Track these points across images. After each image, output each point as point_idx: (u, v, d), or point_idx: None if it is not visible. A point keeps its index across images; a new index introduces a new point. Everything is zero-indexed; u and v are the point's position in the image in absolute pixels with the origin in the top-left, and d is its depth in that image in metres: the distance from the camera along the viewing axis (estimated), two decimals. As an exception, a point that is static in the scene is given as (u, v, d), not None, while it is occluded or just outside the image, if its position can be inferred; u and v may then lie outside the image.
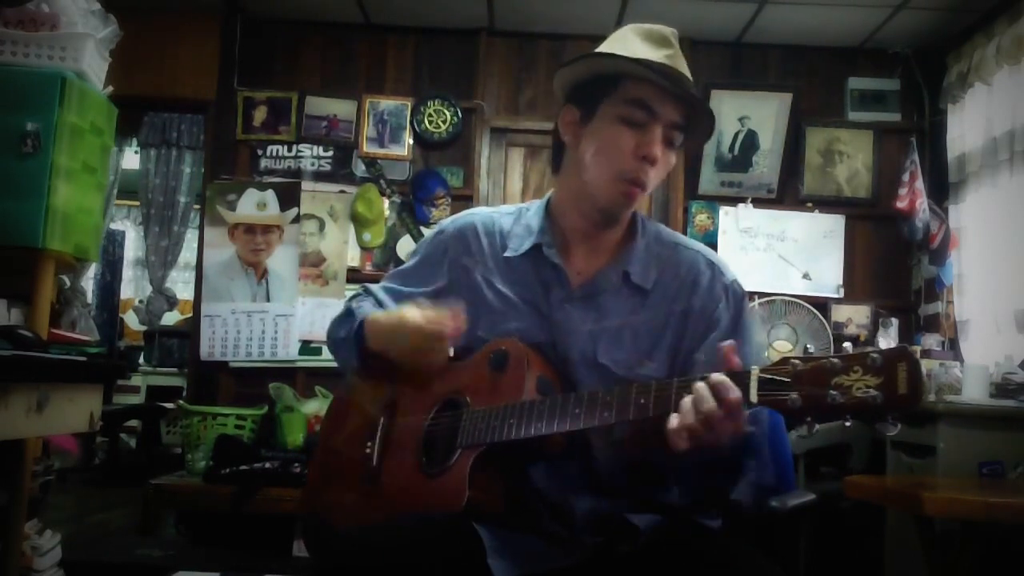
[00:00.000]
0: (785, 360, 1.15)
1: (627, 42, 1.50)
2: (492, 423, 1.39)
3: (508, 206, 1.67)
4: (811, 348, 4.16)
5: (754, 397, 1.16)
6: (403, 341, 1.48)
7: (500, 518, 1.38)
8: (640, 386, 1.27)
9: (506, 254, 1.57)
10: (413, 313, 1.46)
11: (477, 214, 1.66)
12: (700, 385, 1.19)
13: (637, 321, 1.49)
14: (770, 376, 1.15)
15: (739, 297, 1.52)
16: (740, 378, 1.18)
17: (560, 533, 1.42)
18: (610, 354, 1.47)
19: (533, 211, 1.60)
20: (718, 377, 1.18)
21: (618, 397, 1.28)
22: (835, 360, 1.11)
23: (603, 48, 1.52)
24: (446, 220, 1.70)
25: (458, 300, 1.54)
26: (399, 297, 1.65)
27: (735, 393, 1.17)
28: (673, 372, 1.46)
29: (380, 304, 1.67)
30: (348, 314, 1.66)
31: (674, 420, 1.20)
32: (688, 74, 1.49)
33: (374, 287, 1.72)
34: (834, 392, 1.10)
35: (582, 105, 1.51)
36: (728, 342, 1.23)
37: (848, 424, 1.12)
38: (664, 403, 1.22)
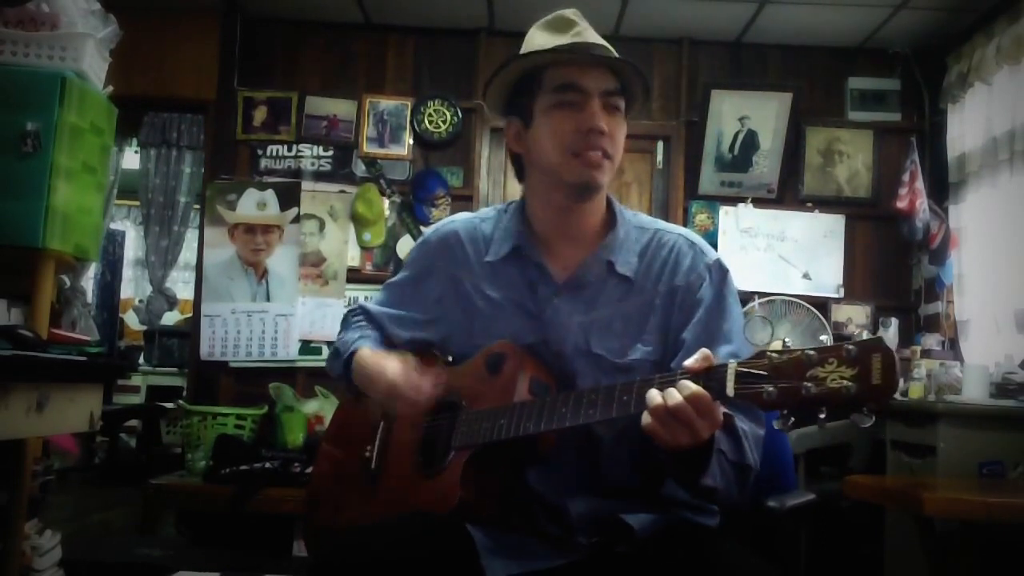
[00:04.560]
0: (762, 353, 1.16)
1: (534, 39, 1.54)
2: (484, 424, 1.41)
3: (488, 209, 1.68)
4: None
5: (731, 391, 1.16)
6: (381, 393, 1.53)
7: (494, 518, 1.39)
8: (624, 385, 1.28)
9: (487, 259, 1.58)
10: (395, 369, 1.50)
11: (457, 221, 1.67)
12: (674, 390, 1.20)
13: (625, 308, 1.50)
14: (746, 370, 1.16)
15: (722, 274, 1.53)
16: (717, 372, 1.19)
17: (555, 533, 1.43)
18: (603, 343, 1.48)
19: (510, 213, 1.61)
20: (691, 386, 1.19)
21: (603, 396, 1.29)
22: (811, 352, 1.12)
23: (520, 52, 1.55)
24: (429, 230, 1.72)
25: (448, 312, 1.59)
26: (398, 322, 1.68)
27: (704, 399, 1.18)
28: (665, 352, 1.48)
29: (377, 324, 1.70)
30: (341, 347, 1.68)
31: (648, 418, 1.21)
32: (601, 41, 1.51)
33: (372, 307, 1.74)
34: (808, 384, 1.10)
35: (519, 113, 1.55)
36: (703, 351, 1.23)
37: (823, 416, 1.12)
38: (646, 400, 1.22)
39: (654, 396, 1.20)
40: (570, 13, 1.55)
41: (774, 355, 1.14)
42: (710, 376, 1.19)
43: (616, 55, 1.50)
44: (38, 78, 2.30)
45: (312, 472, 1.85)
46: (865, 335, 1.09)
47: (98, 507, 4.99)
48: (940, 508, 2.48)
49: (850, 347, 1.09)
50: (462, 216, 1.69)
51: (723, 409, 1.31)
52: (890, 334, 4.24)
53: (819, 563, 3.44)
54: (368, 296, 3.91)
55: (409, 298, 1.68)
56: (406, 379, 1.49)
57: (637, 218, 1.60)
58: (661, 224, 1.60)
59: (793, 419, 1.15)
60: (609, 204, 1.58)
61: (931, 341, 4.10)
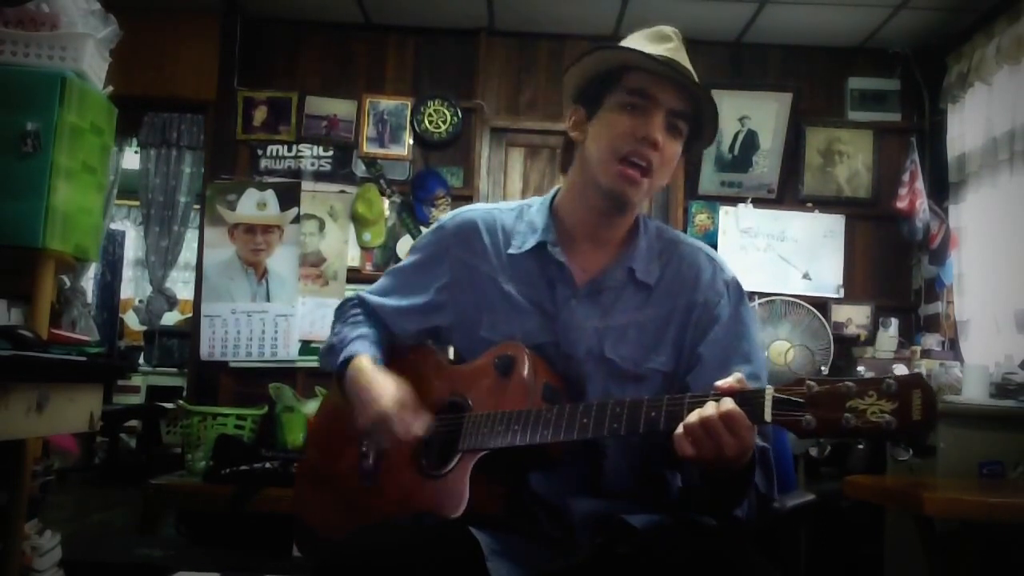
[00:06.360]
0: (800, 381, 1.17)
1: (630, 42, 1.54)
2: (496, 428, 1.39)
3: (508, 202, 1.66)
4: (811, 348, 4.16)
5: (768, 417, 1.17)
6: (368, 418, 1.48)
7: (497, 520, 1.38)
8: (652, 400, 1.28)
9: (510, 251, 1.56)
10: (390, 400, 1.46)
11: (476, 210, 1.65)
12: (710, 404, 1.21)
13: (642, 317, 1.50)
14: (785, 396, 1.17)
15: (740, 293, 1.54)
16: (754, 397, 1.19)
17: (557, 535, 1.42)
18: (616, 350, 1.47)
19: (536, 208, 1.60)
20: (727, 403, 1.19)
21: (629, 410, 1.29)
22: (850, 383, 1.13)
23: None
24: (445, 216, 1.68)
25: (459, 299, 1.57)
26: (400, 315, 1.64)
27: (741, 419, 1.19)
28: (679, 366, 1.48)
29: (376, 318, 1.66)
30: (338, 344, 1.64)
31: (680, 428, 1.21)
32: (689, 67, 1.51)
33: (371, 298, 1.70)
34: (849, 415, 1.12)
35: (588, 103, 1.53)
36: (736, 375, 1.24)
37: (860, 447, 1.14)
38: (675, 418, 1.23)
39: (693, 415, 1.20)
40: (668, 29, 1.55)
41: (812, 383, 1.16)
42: (746, 399, 1.20)
43: (694, 80, 1.50)
44: (38, 78, 2.30)
45: (301, 465, 1.82)
46: (904, 370, 1.11)
47: (98, 507, 4.99)
48: (940, 508, 2.48)
49: (890, 381, 1.11)
50: (481, 206, 1.67)
51: (759, 443, 1.32)
52: (890, 334, 4.25)
53: (819, 563, 3.44)
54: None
55: (414, 283, 1.64)
56: (399, 415, 1.45)
57: (659, 229, 1.60)
58: (681, 236, 1.61)
59: (829, 447, 1.17)
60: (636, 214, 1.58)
61: (931, 341, 4.10)
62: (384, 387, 1.49)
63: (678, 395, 1.27)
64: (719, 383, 1.23)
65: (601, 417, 1.30)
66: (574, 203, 1.56)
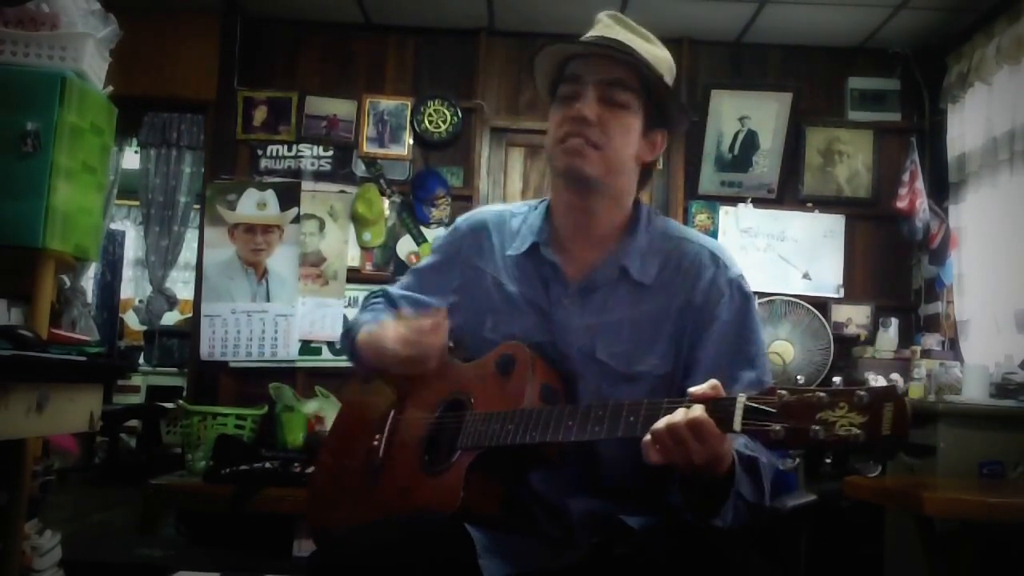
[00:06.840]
0: (772, 390, 1.14)
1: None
2: (492, 427, 1.40)
3: (521, 204, 1.68)
4: (811, 348, 4.16)
5: (738, 426, 1.15)
6: (390, 359, 1.52)
7: (494, 519, 1.39)
8: (631, 405, 1.27)
9: (508, 253, 1.59)
10: (391, 334, 1.50)
11: (489, 212, 1.69)
12: (679, 411, 1.19)
13: (637, 315, 1.49)
14: (755, 405, 1.15)
15: (744, 293, 1.52)
16: (725, 406, 1.17)
17: (555, 534, 1.42)
18: (608, 349, 1.47)
19: (539, 209, 1.62)
20: (696, 410, 1.18)
21: (610, 413, 1.29)
22: (822, 394, 1.10)
23: None
24: (461, 217, 1.73)
25: (466, 301, 1.60)
26: (417, 305, 1.67)
27: (709, 427, 1.17)
28: (677, 367, 1.46)
29: (395, 306, 1.70)
30: (352, 326, 1.69)
31: (648, 435, 1.20)
32: (626, 39, 1.52)
33: (393, 290, 1.74)
34: (817, 427, 1.09)
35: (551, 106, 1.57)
36: (712, 381, 1.22)
37: (828, 461, 1.12)
38: (652, 422, 1.21)
39: (660, 422, 1.19)
40: (604, 13, 1.58)
41: (784, 392, 1.13)
42: (717, 407, 1.18)
43: (635, 49, 1.50)
44: (38, 78, 2.30)
45: (315, 466, 1.84)
46: (882, 381, 1.08)
47: (98, 507, 4.99)
48: (940, 508, 2.48)
49: (862, 393, 1.08)
50: (495, 207, 1.71)
51: (747, 452, 1.31)
52: (890, 334, 4.25)
53: (819, 563, 3.44)
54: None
55: (431, 284, 1.68)
56: (404, 340, 1.48)
57: (666, 225, 1.58)
58: (689, 233, 1.59)
59: (798, 459, 1.15)
60: (636, 209, 1.56)
61: (931, 341, 4.10)
62: (387, 327, 1.54)
63: (656, 400, 1.26)
64: (692, 389, 1.21)
65: (584, 420, 1.31)
66: (554, 201, 1.58)
